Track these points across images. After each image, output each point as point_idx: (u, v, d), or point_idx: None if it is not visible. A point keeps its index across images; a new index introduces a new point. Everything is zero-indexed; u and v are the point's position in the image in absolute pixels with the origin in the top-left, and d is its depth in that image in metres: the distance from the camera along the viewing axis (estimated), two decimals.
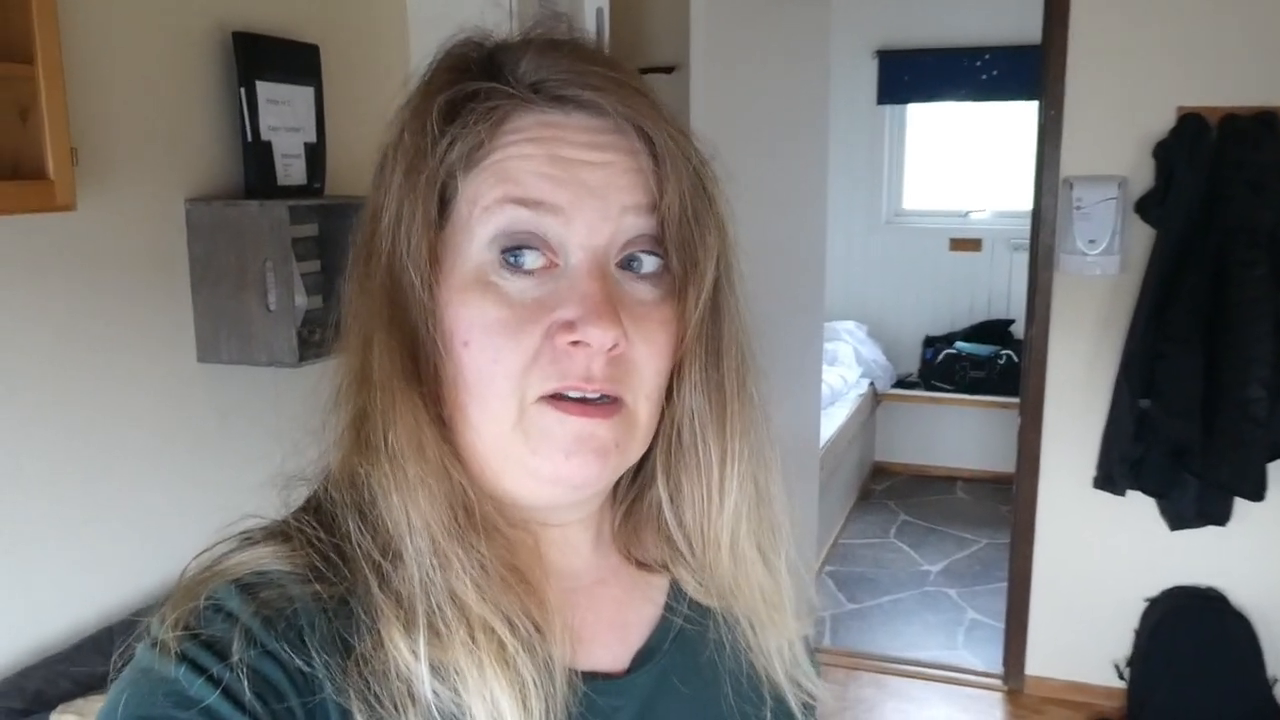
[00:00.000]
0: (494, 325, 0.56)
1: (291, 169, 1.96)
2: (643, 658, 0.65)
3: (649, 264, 0.59)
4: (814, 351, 3.80)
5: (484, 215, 0.56)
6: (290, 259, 1.85)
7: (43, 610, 1.59)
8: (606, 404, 0.57)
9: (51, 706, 1.46)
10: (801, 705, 0.70)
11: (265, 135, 1.88)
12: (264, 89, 1.87)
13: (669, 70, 2.98)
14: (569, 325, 0.55)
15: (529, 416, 0.56)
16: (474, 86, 0.57)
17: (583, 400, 0.56)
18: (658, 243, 0.58)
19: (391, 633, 0.53)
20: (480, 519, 0.57)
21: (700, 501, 0.64)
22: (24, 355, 1.54)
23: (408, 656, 0.53)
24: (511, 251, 0.56)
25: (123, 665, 0.54)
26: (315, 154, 2.02)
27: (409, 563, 0.55)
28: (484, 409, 0.57)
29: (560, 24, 0.62)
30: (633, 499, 0.68)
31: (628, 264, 0.58)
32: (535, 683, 0.54)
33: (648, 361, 0.58)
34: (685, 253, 0.59)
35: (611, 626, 0.65)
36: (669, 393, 0.61)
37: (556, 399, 0.56)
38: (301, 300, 1.94)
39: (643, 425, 0.59)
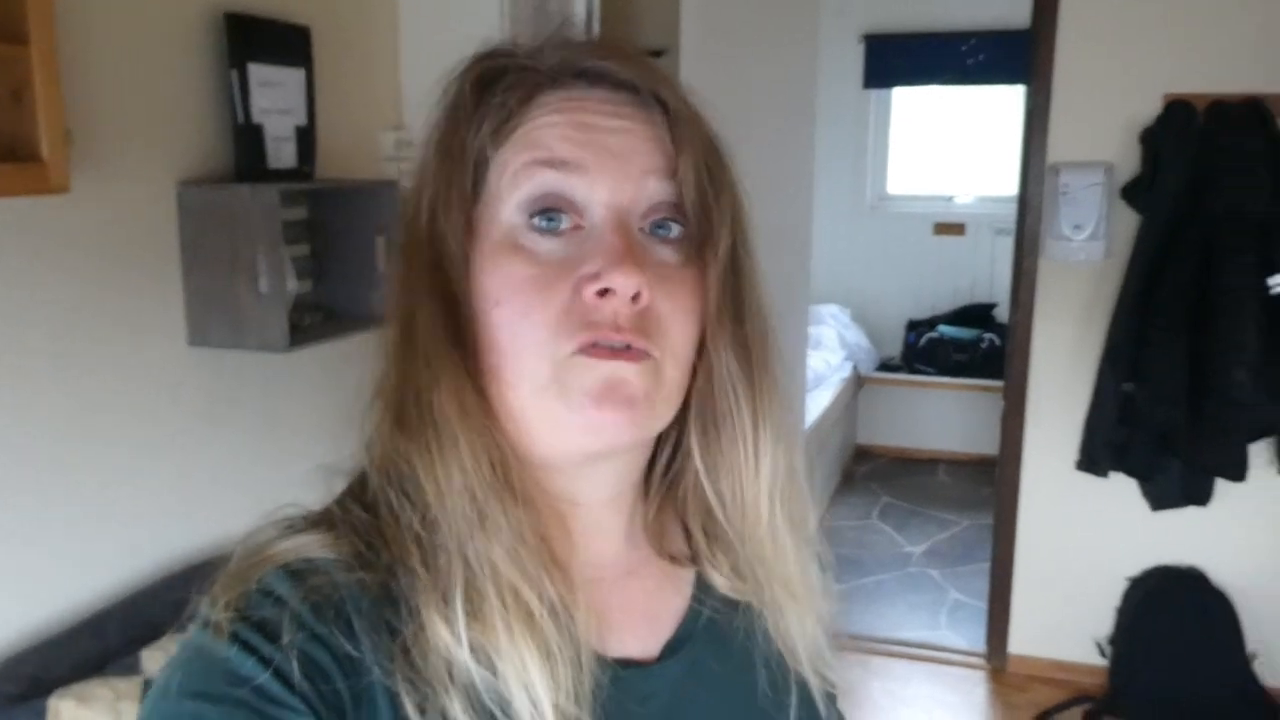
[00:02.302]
0: (524, 282, 0.58)
1: (282, 152, 1.95)
2: (673, 647, 0.66)
3: (672, 231, 0.61)
4: (799, 335, 3.81)
5: (513, 180, 0.59)
6: (281, 243, 1.84)
7: (36, 595, 1.58)
8: (635, 352, 0.58)
9: (48, 691, 1.46)
10: (824, 695, 0.71)
11: (257, 118, 1.87)
12: (255, 71, 1.86)
13: (658, 54, 2.97)
14: (594, 277, 0.57)
15: (562, 370, 0.57)
16: (503, 63, 0.61)
17: (610, 348, 0.57)
18: (677, 210, 0.61)
19: (430, 612, 0.55)
20: (516, 484, 0.59)
21: (737, 466, 0.65)
22: (16, 337, 1.53)
23: (446, 636, 0.54)
24: (541, 214, 0.59)
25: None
26: (306, 137, 2.00)
27: (445, 525, 0.56)
28: (518, 366, 0.58)
29: (572, 30, 0.66)
30: (665, 490, 0.69)
31: (653, 230, 0.60)
32: (560, 650, 0.55)
33: (673, 318, 0.59)
34: (704, 215, 0.61)
35: (643, 616, 0.66)
36: (698, 358, 0.62)
37: (586, 349, 0.57)
38: (292, 284, 1.93)
39: (670, 384, 0.60)
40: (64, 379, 1.61)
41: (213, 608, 0.54)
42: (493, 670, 0.54)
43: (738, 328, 0.63)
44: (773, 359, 0.66)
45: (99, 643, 1.59)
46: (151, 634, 1.64)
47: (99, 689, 1.50)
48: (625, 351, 0.57)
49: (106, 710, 1.47)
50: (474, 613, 0.55)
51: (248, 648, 0.52)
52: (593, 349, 0.57)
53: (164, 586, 1.74)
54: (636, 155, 0.59)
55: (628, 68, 0.61)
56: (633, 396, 0.58)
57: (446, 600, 0.55)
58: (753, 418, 0.64)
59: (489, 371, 0.59)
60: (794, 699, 0.69)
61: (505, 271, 0.58)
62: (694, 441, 0.65)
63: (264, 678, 0.51)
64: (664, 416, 0.62)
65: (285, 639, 0.52)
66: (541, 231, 0.59)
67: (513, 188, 0.59)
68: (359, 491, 0.61)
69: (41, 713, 1.45)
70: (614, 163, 0.59)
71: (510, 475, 0.58)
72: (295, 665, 0.51)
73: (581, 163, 0.58)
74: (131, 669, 1.56)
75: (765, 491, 0.65)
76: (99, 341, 1.67)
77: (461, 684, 0.54)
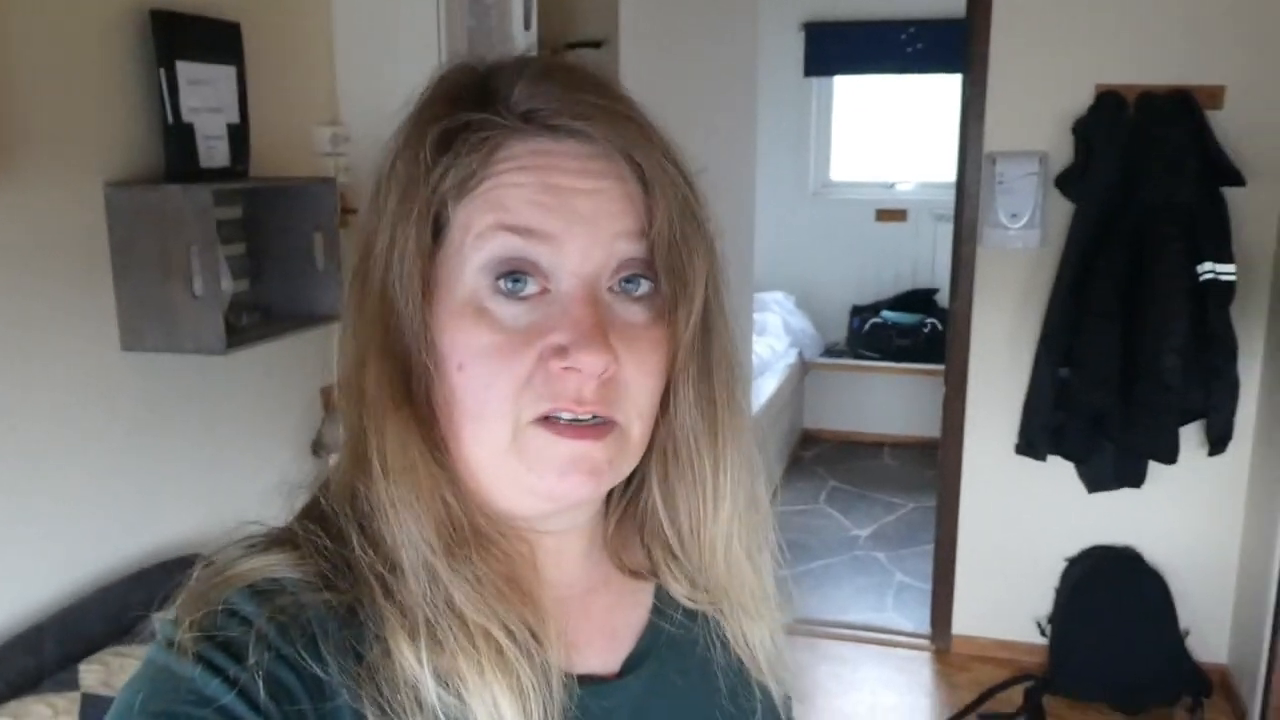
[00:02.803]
0: (488, 350, 0.57)
1: (214, 151, 1.91)
2: (633, 661, 0.67)
3: (642, 287, 0.60)
4: (743, 323, 3.84)
5: (477, 242, 0.57)
6: (215, 243, 1.81)
7: None
8: (599, 425, 0.58)
9: None
10: (783, 698, 0.73)
11: (187, 117, 1.83)
12: (185, 69, 1.82)
13: (598, 44, 2.96)
14: (561, 350, 0.56)
15: (523, 438, 0.57)
16: (467, 117, 0.58)
17: (575, 422, 0.57)
18: (648, 267, 0.59)
19: (398, 641, 0.55)
20: (473, 533, 0.58)
21: (696, 509, 0.66)
22: None
23: (413, 664, 0.54)
24: (505, 278, 0.57)
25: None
26: (238, 135, 1.97)
27: (408, 575, 0.56)
28: (479, 430, 0.58)
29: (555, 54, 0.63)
30: (625, 506, 0.69)
31: (620, 287, 0.59)
32: (534, 687, 0.56)
33: (639, 382, 0.59)
34: (675, 276, 0.60)
35: (602, 632, 0.67)
36: (662, 407, 0.62)
37: (549, 421, 0.57)
38: (228, 285, 1.90)
39: (635, 443, 0.61)
40: None
41: (176, 627, 0.54)
42: (460, 699, 0.54)
43: (703, 382, 0.63)
44: (740, 399, 0.66)
45: (34, 658, 1.56)
46: (89, 648, 1.61)
47: (35, 705, 1.47)
48: (590, 428, 0.57)
49: None
50: (441, 652, 0.55)
51: (213, 668, 0.52)
52: (556, 425, 0.57)
53: (101, 598, 1.70)
54: (607, 218, 0.58)
55: (601, 127, 0.58)
56: (597, 468, 0.58)
57: (412, 637, 0.55)
58: (713, 465, 0.65)
59: (448, 428, 0.59)
60: (757, 708, 0.70)
61: (468, 336, 0.57)
62: (654, 480, 0.66)
63: (229, 698, 0.51)
64: (629, 469, 0.62)
65: (251, 660, 0.52)
66: (506, 295, 0.57)
67: (476, 249, 0.57)
68: (316, 511, 0.61)
69: None
70: (583, 228, 0.57)
71: (464, 528, 0.58)
72: (261, 686, 0.51)
73: (549, 230, 0.56)
74: (69, 684, 1.53)
75: (723, 532, 0.66)
76: (27, 350, 1.62)
77: (429, 710, 0.54)
